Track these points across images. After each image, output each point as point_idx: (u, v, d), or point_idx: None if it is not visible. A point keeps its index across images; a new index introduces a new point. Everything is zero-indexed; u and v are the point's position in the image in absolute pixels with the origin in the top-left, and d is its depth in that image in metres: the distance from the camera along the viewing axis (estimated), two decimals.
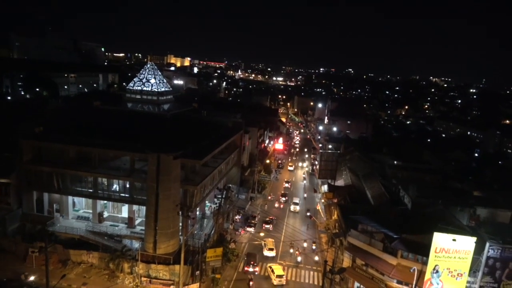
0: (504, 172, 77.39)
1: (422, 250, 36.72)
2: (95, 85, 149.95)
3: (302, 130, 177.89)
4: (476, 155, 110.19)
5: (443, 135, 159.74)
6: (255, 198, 72.54)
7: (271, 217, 62.37)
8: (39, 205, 47.03)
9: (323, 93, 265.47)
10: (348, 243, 43.45)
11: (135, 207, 46.92)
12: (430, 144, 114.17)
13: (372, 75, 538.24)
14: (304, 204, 73.35)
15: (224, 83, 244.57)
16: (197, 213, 50.63)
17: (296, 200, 72.61)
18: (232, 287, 42.73)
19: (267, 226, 59.37)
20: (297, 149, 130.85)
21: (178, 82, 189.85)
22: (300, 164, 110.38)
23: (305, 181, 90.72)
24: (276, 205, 71.48)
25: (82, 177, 45.35)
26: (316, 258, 50.70)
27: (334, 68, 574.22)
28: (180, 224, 42.87)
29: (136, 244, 44.04)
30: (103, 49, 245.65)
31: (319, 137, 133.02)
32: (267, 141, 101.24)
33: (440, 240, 34.98)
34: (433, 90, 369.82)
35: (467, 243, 34.83)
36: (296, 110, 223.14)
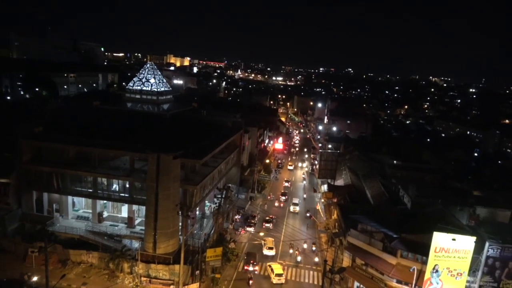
0: (503, 172, 77.47)
1: (421, 249, 36.75)
2: (94, 85, 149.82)
3: (301, 130, 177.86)
4: (476, 154, 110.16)
5: (443, 135, 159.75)
6: (255, 198, 72.55)
7: (271, 216, 62.54)
8: (38, 205, 47.02)
9: (323, 92, 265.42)
10: (348, 242, 43.47)
11: (134, 207, 46.90)
12: (429, 144, 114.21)
13: (371, 74, 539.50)
14: (304, 204, 73.25)
15: (224, 83, 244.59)
16: (197, 212, 50.63)
17: (296, 200, 72.42)
18: (232, 287, 42.73)
19: (267, 225, 59.55)
20: (297, 149, 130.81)
21: (178, 82, 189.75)
22: (299, 164, 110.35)
23: (304, 182, 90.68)
24: (276, 204, 71.52)
25: (81, 177, 45.36)
26: (316, 259, 50.60)
27: (333, 68, 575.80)
28: (180, 224, 42.87)
29: (136, 244, 44.02)
30: (102, 49, 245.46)
31: (318, 136, 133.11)
32: (266, 141, 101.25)
33: (439, 239, 35.02)
34: (432, 89, 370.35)
35: (467, 242, 34.87)
36: (295, 109, 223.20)
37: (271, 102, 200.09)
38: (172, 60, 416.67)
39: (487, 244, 35.41)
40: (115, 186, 45.89)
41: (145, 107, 67.21)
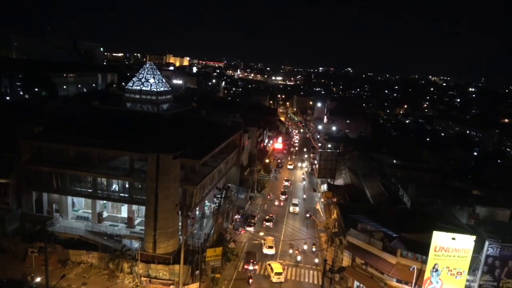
0: (503, 171, 77.47)
1: (421, 249, 36.77)
2: (94, 85, 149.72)
3: (301, 130, 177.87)
4: (475, 154, 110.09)
5: (442, 134, 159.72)
6: (255, 198, 72.56)
7: (271, 215, 62.68)
8: (38, 205, 47.01)
9: (322, 92, 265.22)
10: (348, 242, 43.49)
11: (134, 207, 46.90)
12: (429, 143, 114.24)
13: (371, 74, 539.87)
14: (303, 204, 73.17)
15: (223, 82, 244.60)
16: (197, 212, 50.64)
17: (295, 201, 72.03)
18: (232, 287, 42.74)
19: (268, 223, 59.75)
20: (297, 149, 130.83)
21: (177, 81, 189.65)
22: (299, 164, 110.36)
23: (304, 182, 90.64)
24: (276, 203, 71.53)
25: (81, 177, 45.35)
26: (316, 260, 50.52)
27: (333, 68, 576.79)
28: (180, 223, 42.87)
29: (136, 244, 44.02)
30: (102, 49, 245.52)
31: (318, 136, 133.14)
32: (266, 141, 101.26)
33: (439, 238, 35.04)
34: (432, 89, 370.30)
35: (467, 241, 34.90)
36: (295, 109, 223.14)
37: (271, 102, 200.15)
38: (172, 60, 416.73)
39: (486, 243, 35.44)
40: (115, 186, 45.89)
41: (145, 107, 67.19)
